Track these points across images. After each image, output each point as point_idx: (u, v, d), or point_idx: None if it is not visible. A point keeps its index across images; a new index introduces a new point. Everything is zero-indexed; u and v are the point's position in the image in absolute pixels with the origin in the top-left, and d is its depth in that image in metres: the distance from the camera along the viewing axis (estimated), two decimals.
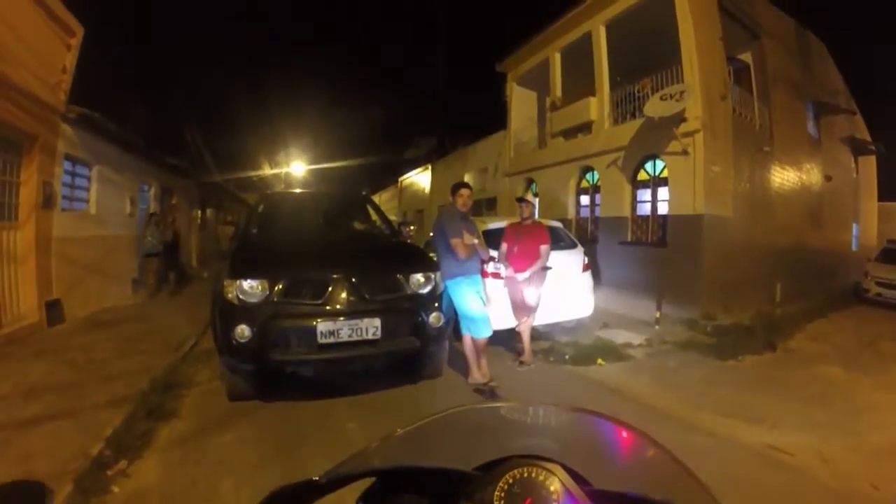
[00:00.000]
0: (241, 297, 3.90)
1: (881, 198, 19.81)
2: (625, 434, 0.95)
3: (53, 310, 7.10)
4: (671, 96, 8.49)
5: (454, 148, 20.90)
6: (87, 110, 7.68)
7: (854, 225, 17.03)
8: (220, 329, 3.97)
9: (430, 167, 22.84)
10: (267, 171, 23.42)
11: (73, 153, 7.85)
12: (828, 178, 13.71)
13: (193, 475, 3.12)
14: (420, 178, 24.57)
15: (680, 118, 8.59)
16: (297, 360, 3.97)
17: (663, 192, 9.57)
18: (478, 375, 4.61)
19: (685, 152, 8.62)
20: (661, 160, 9.51)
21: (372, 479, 0.80)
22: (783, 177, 11.41)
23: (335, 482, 0.75)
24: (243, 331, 3.79)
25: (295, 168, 25.21)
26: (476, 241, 4.57)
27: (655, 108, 8.63)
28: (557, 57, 12.74)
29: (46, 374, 4.72)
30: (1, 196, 6.40)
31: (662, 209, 9.59)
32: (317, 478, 0.74)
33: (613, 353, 6.05)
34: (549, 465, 0.69)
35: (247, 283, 3.92)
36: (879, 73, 36.80)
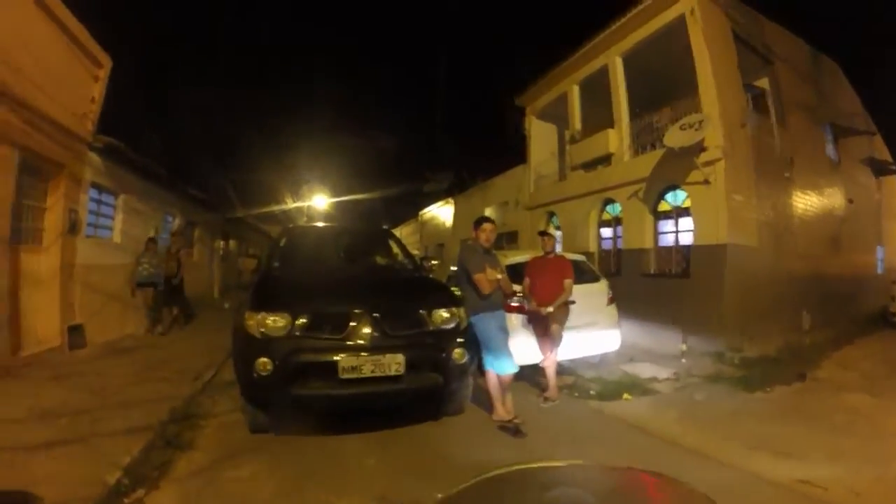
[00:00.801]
0: (262, 330, 3.88)
1: None
2: (661, 485, 0.94)
3: (75, 334, 7.17)
4: (690, 126, 8.48)
5: (473, 181, 21.00)
6: (113, 140, 7.87)
7: (879, 247, 16.66)
8: (242, 361, 3.96)
9: (452, 201, 22.92)
10: (289, 204, 23.71)
11: (100, 181, 8.03)
12: (850, 201, 13.51)
13: None
14: (441, 212, 24.70)
15: (700, 147, 8.56)
16: (318, 394, 3.92)
17: (686, 223, 9.50)
18: (502, 412, 4.50)
19: (707, 181, 8.56)
20: (683, 190, 9.46)
21: None
22: (805, 202, 11.28)
23: None
24: (265, 364, 3.77)
25: (317, 201, 25.50)
26: (500, 276, 4.52)
27: (675, 138, 8.61)
28: (576, 90, 12.84)
29: (65, 399, 4.71)
30: (26, 220, 6.52)
31: (685, 240, 9.51)
32: None
33: (640, 387, 5.91)
34: None
35: (269, 317, 3.91)
36: None
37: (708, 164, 8.56)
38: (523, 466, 1.09)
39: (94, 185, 7.94)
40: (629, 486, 1.04)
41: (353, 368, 3.83)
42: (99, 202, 8.24)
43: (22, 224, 6.37)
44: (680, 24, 9.25)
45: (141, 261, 8.70)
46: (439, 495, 0.90)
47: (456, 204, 22.42)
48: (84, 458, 3.40)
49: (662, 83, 10.40)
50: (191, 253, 13.50)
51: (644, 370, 6.64)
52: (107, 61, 8.04)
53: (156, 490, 3.24)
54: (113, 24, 8.24)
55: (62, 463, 3.33)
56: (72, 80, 7.23)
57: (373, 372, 3.87)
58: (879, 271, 16.31)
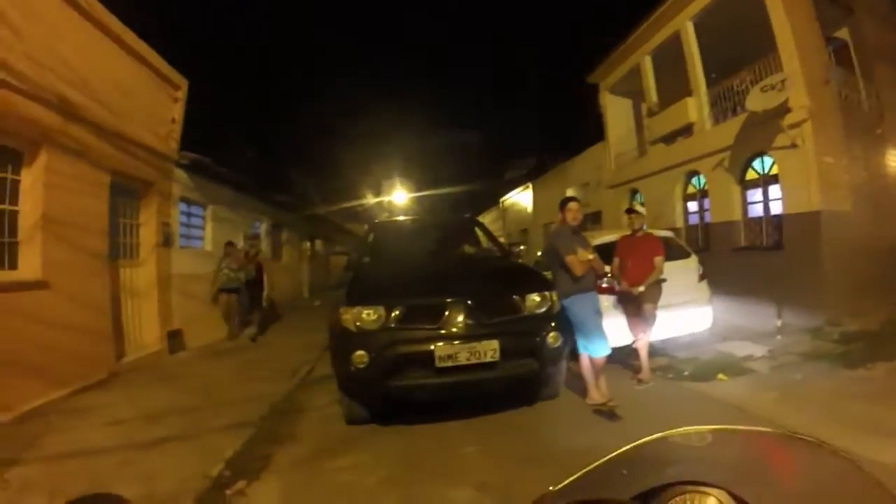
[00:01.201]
0: (358, 324, 4.00)
1: None
2: (787, 445, 0.93)
3: (175, 339, 7.67)
4: (772, 87, 7.97)
5: (553, 165, 20.69)
6: (198, 156, 8.34)
7: None
8: (338, 355, 4.09)
9: (530, 186, 22.75)
10: (370, 200, 24.28)
11: (188, 195, 8.52)
12: None
13: (310, 497, 3.19)
14: (521, 198, 24.56)
15: (784, 109, 8.03)
16: (415, 384, 3.99)
17: (775, 191, 8.95)
18: (596, 395, 4.46)
19: (794, 145, 8.02)
20: (770, 156, 8.90)
21: None
22: None
23: None
24: (361, 357, 3.87)
25: (397, 196, 26.00)
26: (591, 256, 4.44)
27: (757, 101, 8.14)
28: (648, 61, 12.37)
29: (170, 399, 5.05)
30: (123, 237, 7.02)
31: (775, 209, 8.97)
32: None
33: (734, 367, 5.65)
34: (709, 490, 0.67)
35: (364, 311, 4.01)
36: None
37: (794, 126, 8.02)
38: (647, 440, 1.06)
39: (184, 199, 8.44)
40: (762, 451, 1.00)
41: (449, 357, 3.87)
42: (189, 214, 8.75)
43: (119, 240, 6.88)
44: None
45: (221, 266, 8.83)
46: (551, 487, 0.89)
47: (535, 188, 22.20)
48: (190, 454, 3.64)
49: (738, 45, 9.79)
50: (279, 256, 14.02)
51: (738, 349, 6.37)
52: (183, 82, 8.49)
53: (257, 481, 3.39)
54: (189, 42, 8.66)
55: (171, 458, 3.57)
56: (153, 103, 7.70)
57: (468, 360, 3.90)
58: None
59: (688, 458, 1.01)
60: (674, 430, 1.14)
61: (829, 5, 9.51)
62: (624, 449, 0.97)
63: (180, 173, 8.23)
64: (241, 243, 8.69)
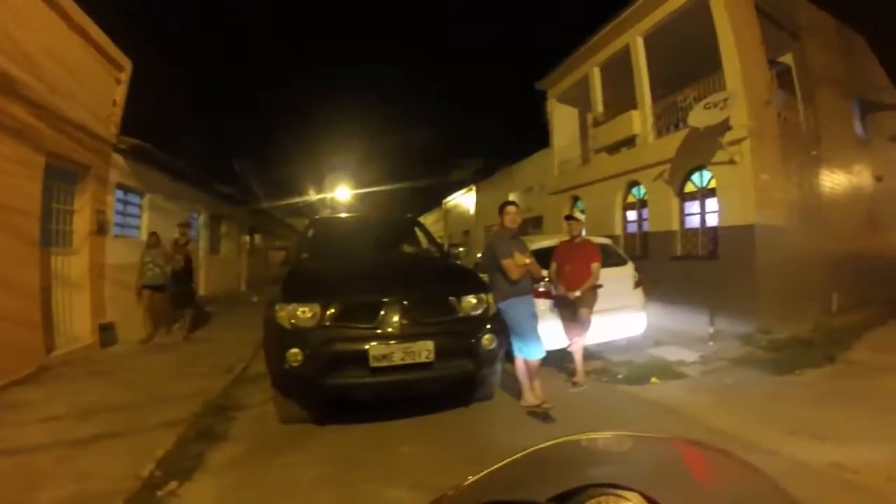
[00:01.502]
0: (293, 321, 3.92)
1: None
2: (703, 454, 0.94)
3: (107, 332, 7.35)
4: (715, 104, 8.32)
5: (498, 169, 21.05)
6: (138, 141, 8.00)
7: None
8: (273, 353, 4.00)
9: (474, 188, 23.00)
10: (313, 196, 23.95)
11: (126, 182, 8.17)
12: (878, 179, 13.14)
13: (244, 498, 3.12)
14: (464, 200, 24.82)
15: (725, 126, 8.39)
16: (349, 383, 3.96)
17: (712, 204, 9.34)
18: (531, 397, 4.51)
19: (732, 161, 8.39)
20: (709, 171, 9.29)
21: None
22: (833, 180, 10.99)
23: None
24: (296, 355, 3.81)
25: (340, 193, 25.68)
26: (528, 260, 4.50)
27: (700, 117, 8.47)
28: (597, 72, 12.69)
29: (99, 395, 4.85)
30: (56, 223, 6.67)
31: (712, 221, 9.36)
32: None
33: (668, 371, 5.85)
34: (625, 493, 0.68)
35: (299, 308, 3.94)
36: None
37: (733, 143, 8.39)
38: (561, 441, 1.08)
39: (121, 186, 8.09)
40: (674, 456, 1.02)
41: (384, 357, 3.85)
42: (125, 202, 8.39)
43: (52, 226, 6.52)
44: (702, 1, 9.04)
45: (145, 260, 7.83)
46: (471, 477, 0.90)
47: (479, 191, 22.52)
48: (121, 452, 3.50)
49: (685, 62, 10.18)
50: (218, 249, 13.61)
51: (672, 353, 6.60)
52: (127, 64, 8.16)
53: (189, 481, 3.29)
54: (137, 25, 8.32)
55: (102, 457, 3.43)
56: (94, 83, 7.36)
57: (403, 360, 3.89)
58: None
59: (605, 461, 1.03)
60: (591, 434, 1.16)
61: (776, 30, 10.00)
62: (533, 449, 0.98)
63: (118, 158, 7.89)
64: (175, 233, 8.25)
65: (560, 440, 1.04)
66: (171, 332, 8.46)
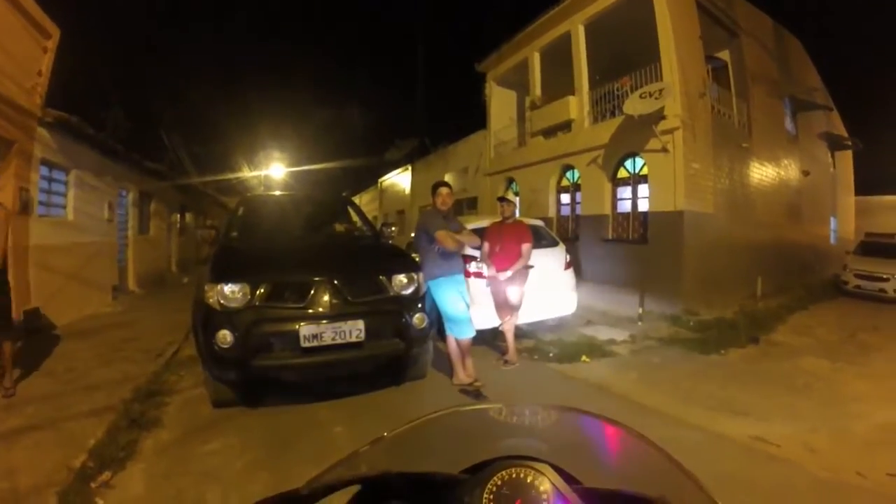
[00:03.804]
0: (222, 301, 3.85)
1: (858, 192, 20.26)
2: (615, 432, 0.94)
3: (32, 319, 6.97)
4: (650, 94, 8.57)
5: (435, 148, 20.97)
6: (63, 114, 7.55)
7: (832, 219, 17.36)
8: (202, 335, 3.92)
9: (409, 168, 22.86)
10: (246, 173, 23.20)
11: (50, 158, 7.70)
12: (805, 174, 13.96)
13: (179, 485, 3.08)
14: (400, 179, 24.55)
15: (659, 116, 8.68)
16: (280, 364, 3.93)
17: (643, 190, 9.68)
18: (462, 376, 4.61)
19: (665, 150, 8.72)
20: (641, 158, 9.62)
21: (357, 487, 0.78)
22: (762, 173, 11.59)
23: (319, 492, 0.73)
24: (225, 336, 3.76)
25: (274, 170, 24.86)
26: (463, 238, 4.59)
27: (635, 106, 8.69)
28: (537, 56, 12.84)
29: (25, 385, 4.63)
30: None
31: (643, 206, 9.70)
32: (299, 487, 0.73)
33: (598, 350, 6.09)
34: (538, 465, 0.68)
35: (228, 288, 3.87)
36: (856, 69, 37.46)
37: (666, 132, 8.70)
38: (478, 407, 1.10)
39: (45, 162, 7.63)
40: (590, 431, 1.04)
41: (314, 336, 3.85)
42: (50, 179, 7.93)
43: None
44: None
45: None
46: (386, 433, 0.91)
47: (415, 171, 22.36)
48: (51, 444, 3.40)
49: (624, 52, 10.45)
50: (147, 229, 13.03)
51: (601, 333, 6.85)
52: (55, 31, 7.66)
53: (122, 470, 3.23)
54: None
55: (30, 450, 3.32)
56: (18, 51, 6.87)
57: (333, 339, 3.90)
58: (833, 242, 17.03)
59: (519, 433, 1.03)
60: (495, 404, 1.16)
61: (715, 27, 10.42)
62: (442, 412, 0.97)
63: (43, 132, 7.44)
64: (105, 213, 7.54)
65: (472, 408, 1.07)
66: None
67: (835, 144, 17.01)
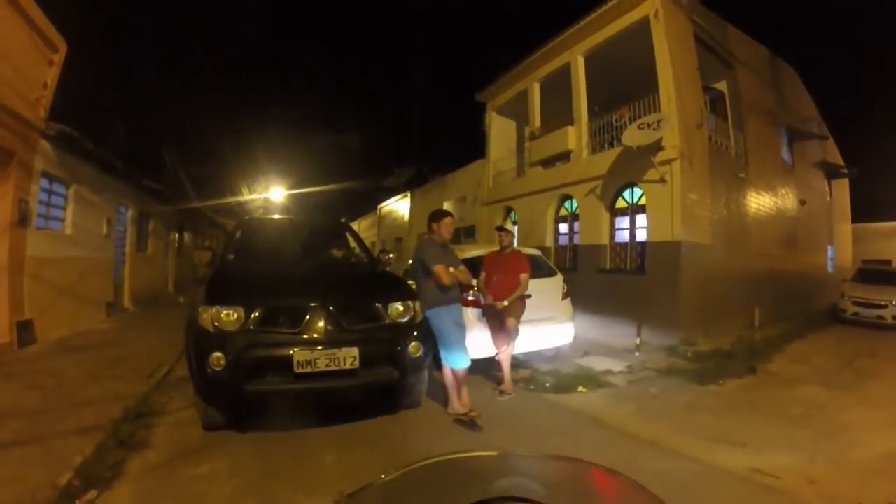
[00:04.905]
0: (216, 324, 3.83)
1: (855, 220, 20.38)
2: (607, 478, 0.95)
3: (25, 331, 6.94)
4: (649, 125, 8.66)
5: (434, 176, 21.20)
6: (66, 128, 7.61)
7: (829, 247, 17.42)
8: (195, 357, 3.89)
9: (408, 195, 23.00)
10: (245, 196, 23.24)
11: (51, 171, 7.75)
12: (802, 202, 14.06)
13: None
14: (399, 206, 24.74)
15: (657, 147, 8.76)
16: (273, 390, 3.89)
17: (641, 220, 9.72)
18: (458, 406, 4.57)
19: (663, 180, 8.78)
20: (639, 188, 9.68)
21: None
22: (759, 202, 11.67)
23: None
24: (218, 359, 3.72)
25: (274, 193, 24.91)
26: (458, 268, 4.59)
27: (633, 136, 8.78)
28: (536, 87, 12.99)
29: (15, 398, 4.59)
30: None
31: (641, 237, 9.73)
32: None
33: (594, 380, 6.03)
34: None
35: (223, 311, 3.85)
36: (851, 98, 38.14)
37: (664, 163, 8.77)
38: (472, 454, 1.10)
39: (45, 175, 7.66)
40: (579, 478, 1.05)
41: (308, 363, 3.82)
42: (50, 192, 7.95)
43: None
44: (643, 26, 9.43)
45: None
46: (383, 476, 0.91)
47: (413, 198, 22.50)
48: (37, 460, 3.34)
49: (622, 83, 10.62)
50: (145, 247, 13.04)
51: (598, 363, 6.79)
52: (62, 45, 7.78)
53: (109, 490, 3.18)
54: (71, 8, 7.91)
55: (16, 465, 3.26)
56: (24, 63, 6.96)
57: (328, 366, 3.86)
58: (830, 270, 17.06)
59: (514, 474, 1.04)
60: (488, 452, 1.16)
61: (712, 58, 10.59)
62: (441, 458, 0.99)
63: (45, 145, 7.47)
64: (103, 229, 7.57)
65: (469, 454, 1.06)
66: None
67: (831, 173, 17.17)
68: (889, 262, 13.08)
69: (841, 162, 17.98)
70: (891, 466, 3.66)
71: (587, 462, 0.99)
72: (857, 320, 11.36)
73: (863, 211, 20.68)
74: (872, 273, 12.68)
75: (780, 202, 12.87)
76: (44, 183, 7.68)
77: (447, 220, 4.69)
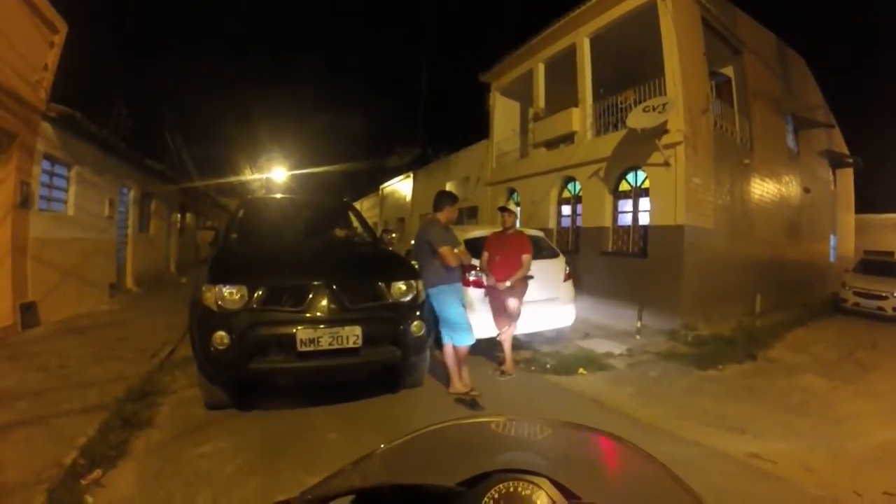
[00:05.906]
0: (220, 303, 3.84)
1: (858, 210, 20.26)
2: (614, 446, 0.95)
3: (28, 313, 6.95)
4: (654, 108, 8.59)
5: (437, 157, 21.06)
6: (68, 109, 7.59)
7: (832, 237, 17.34)
8: (198, 336, 3.91)
9: (411, 175, 22.91)
10: (248, 176, 23.22)
11: (53, 153, 7.72)
12: (806, 191, 13.98)
13: (169, 486, 3.05)
14: (401, 187, 24.61)
15: (662, 130, 8.70)
16: (276, 368, 3.90)
17: (644, 203, 9.69)
18: (459, 385, 4.60)
19: (667, 164, 8.73)
20: (643, 171, 9.63)
21: (352, 498, 0.77)
22: (763, 189, 11.60)
23: (313, 503, 0.73)
24: (222, 338, 3.74)
25: (276, 173, 24.88)
26: (459, 249, 4.62)
27: (638, 119, 8.71)
28: (541, 68, 12.87)
29: (19, 380, 4.62)
30: None
31: (643, 220, 9.71)
32: (292, 498, 0.72)
33: (595, 362, 6.06)
34: (536, 479, 0.68)
35: (226, 290, 3.86)
36: (858, 87, 37.78)
37: (669, 146, 8.72)
38: (477, 420, 1.09)
39: (47, 157, 7.64)
40: (585, 447, 1.04)
41: (311, 341, 3.83)
42: (52, 174, 7.93)
43: None
44: (650, 9, 9.32)
45: None
46: (382, 445, 0.91)
47: (416, 179, 22.40)
48: (41, 440, 3.37)
49: (628, 65, 10.51)
50: (147, 228, 13.02)
51: (599, 346, 6.83)
52: (63, 27, 7.69)
53: (113, 469, 3.21)
54: None
55: (21, 445, 3.29)
56: (25, 45, 6.88)
57: (330, 344, 3.87)
58: (832, 259, 17.01)
59: (517, 447, 1.03)
60: (493, 417, 1.15)
61: (719, 43, 10.47)
62: (440, 426, 0.98)
63: (47, 127, 7.45)
64: (105, 210, 7.54)
65: (471, 421, 1.05)
66: None
67: (836, 162, 17.03)
68: (891, 253, 13.07)
69: (846, 151, 17.83)
70: (888, 457, 3.68)
71: (595, 429, 0.99)
72: (858, 310, 11.38)
73: (866, 202, 20.58)
74: (874, 264, 12.67)
75: (783, 190, 12.78)
76: (46, 165, 7.66)
77: (456, 204, 4.77)
